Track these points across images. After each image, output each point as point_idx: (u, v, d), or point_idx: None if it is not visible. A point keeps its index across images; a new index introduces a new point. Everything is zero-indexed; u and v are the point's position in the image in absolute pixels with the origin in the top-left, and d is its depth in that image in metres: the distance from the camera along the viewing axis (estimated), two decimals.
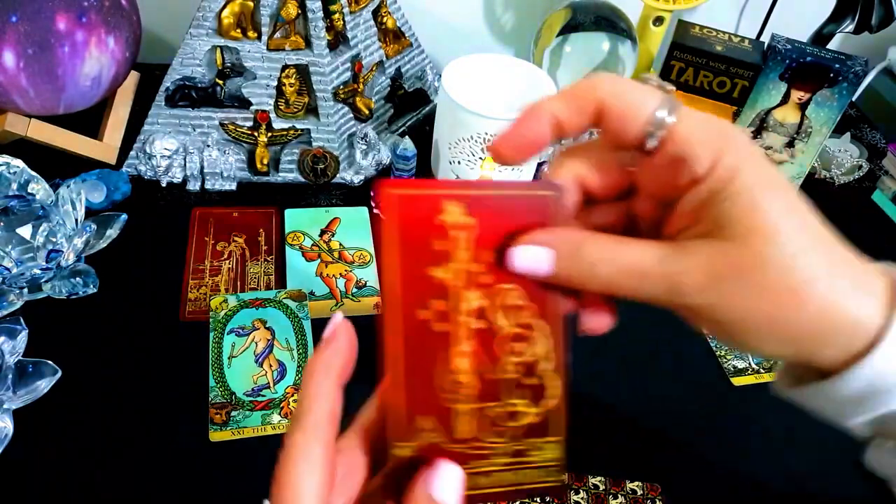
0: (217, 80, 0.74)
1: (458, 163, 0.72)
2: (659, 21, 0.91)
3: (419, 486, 0.29)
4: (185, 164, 0.74)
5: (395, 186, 0.29)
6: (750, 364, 0.65)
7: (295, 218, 0.73)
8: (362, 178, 0.78)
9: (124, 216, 0.67)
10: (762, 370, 0.65)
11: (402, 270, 0.29)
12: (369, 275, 0.68)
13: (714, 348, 0.66)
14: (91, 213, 0.67)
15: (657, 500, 0.53)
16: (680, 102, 0.28)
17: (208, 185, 0.75)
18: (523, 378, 0.31)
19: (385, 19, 0.80)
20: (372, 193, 0.29)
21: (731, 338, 0.29)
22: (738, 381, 0.64)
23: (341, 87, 0.76)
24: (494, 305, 0.30)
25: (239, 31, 0.71)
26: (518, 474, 0.32)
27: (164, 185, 0.75)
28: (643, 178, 0.31)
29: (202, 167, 0.74)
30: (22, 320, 0.57)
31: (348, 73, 0.76)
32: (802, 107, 0.80)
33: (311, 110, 0.76)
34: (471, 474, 0.31)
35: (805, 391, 0.31)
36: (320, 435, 0.28)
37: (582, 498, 0.53)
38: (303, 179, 0.76)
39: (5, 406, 0.52)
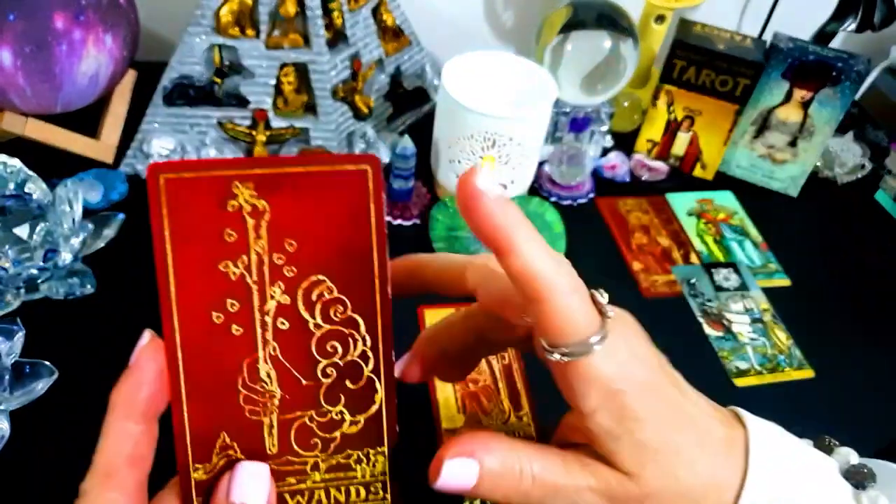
0: (215, 78, 0.74)
1: (459, 161, 0.72)
2: (661, 19, 0.90)
3: (217, 495, 0.27)
4: None
5: (169, 169, 0.25)
6: (753, 365, 0.65)
7: None
8: None
9: (122, 216, 0.66)
10: (765, 371, 0.64)
11: (183, 268, 0.26)
12: None
13: (716, 349, 0.66)
14: (88, 212, 0.66)
15: None
16: (607, 335, 0.28)
17: None
18: (339, 382, 0.27)
19: (384, 17, 0.79)
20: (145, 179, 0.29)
21: None
22: (740, 381, 0.63)
23: (340, 85, 0.75)
24: (300, 301, 0.26)
25: (237, 29, 0.70)
26: (342, 492, 0.28)
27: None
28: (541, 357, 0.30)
29: None
30: (19, 321, 0.56)
31: (347, 72, 0.76)
32: (805, 105, 0.80)
33: (310, 109, 0.75)
34: (287, 493, 0.28)
35: None
36: (117, 482, 0.26)
37: None
38: None
39: (2, 407, 0.52)
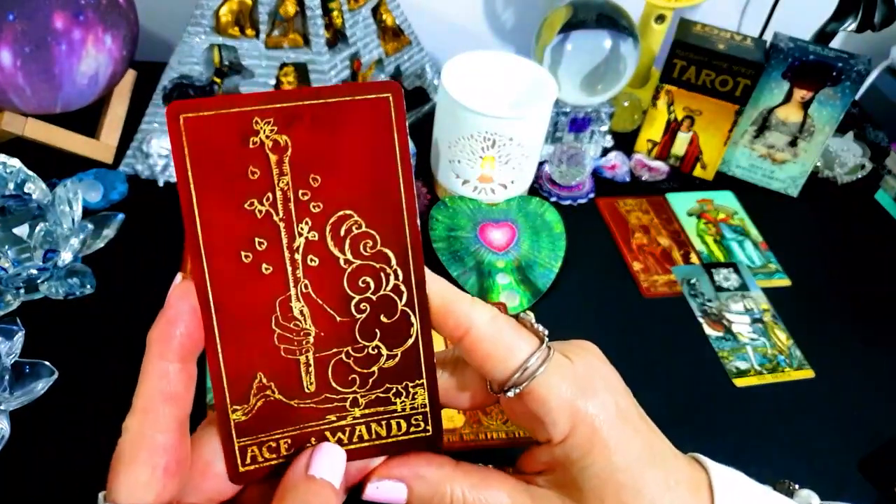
0: (215, 78, 0.74)
1: (458, 161, 0.72)
2: (661, 19, 0.90)
3: (295, 468, 0.27)
4: None
5: (189, 109, 0.24)
6: (753, 365, 0.65)
7: None
8: None
9: (122, 216, 0.66)
10: (765, 371, 0.64)
11: (208, 208, 0.25)
12: None
13: (716, 349, 0.66)
14: (88, 212, 0.66)
15: None
16: (551, 353, 0.28)
17: None
18: (373, 317, 0.27)
19: (384, 17, 0.79)
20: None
21: None
22: (740, 382, 0.63)
23: None
24: (329, 237, 0.26)
25: (237, 28, 0.70)
26: (382, 426, 0.29)
27: (161, 184, 0.74)
28: (506, 408, 0.30)
29: None
30: (19, 321, 0.56)
31: (347, 72, 0.76)
32: (805, 105, 0.80)
33: None
34: (328, 431, 0.28)
35: None
36: (154, 418, 0.26)
37: None
38: None
39: (2, 407, 0.52)
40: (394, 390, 0.28)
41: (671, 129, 0.85)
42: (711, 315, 0.69)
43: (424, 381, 0.28)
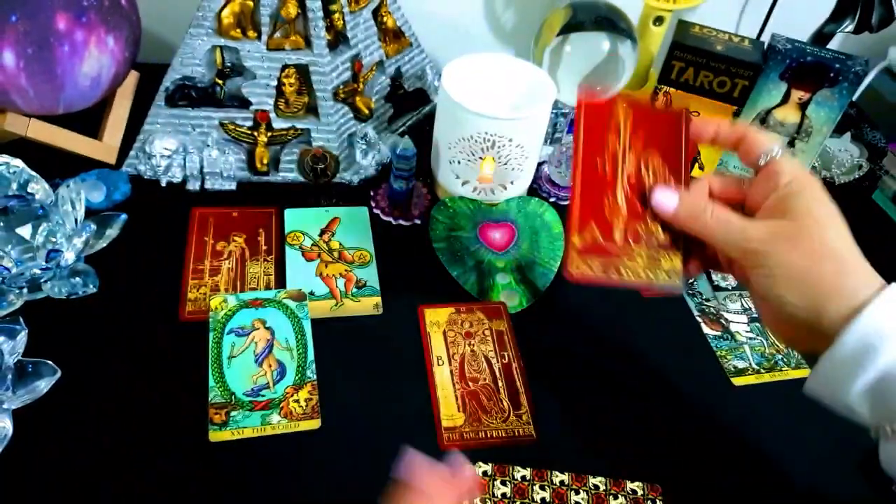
0: (217, 79, 0.74)
1: (458, 162, 0.72)
2: (659, 21, 0.91)
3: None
4: (184, 164, 0.74)
5: (588, 98, 0.51)
6: (750, 364, 0.65)
7: (295, 218, 0.73)
8: (362, 177, 0.78)
9: (124, 216, 0.67)
10: (762, 370, 0.65)
11: (587, 144, 0.50)
12: (369, 274, 0.68)
13: (714, 348, 0.66)
14: (91, 212, 0.67)
15: (657, 501, 0.53)
16: (784, 147, 0.52)
17: (208, 185, 0.75)
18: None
19: (385, 19, 0.80)
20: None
21: (766, 283, 0.44)
22: (738, 381, 0.64)
23: (341, 86, 0.76)
24: (642, 167, 0.50)
25: (239, 30, 0.71)
26: (650, 272, 0.49)
27: (163, 184, 0.75)
28: (750, 191, 0.48)
29: (202, 167, 0.74)
30: (22, 320, 0.57)
31: (348, 73, 0.76)
32: (803, 106, 0.80)
33: (311, 110, 0.76)
34: (623, 267, 0.49)
35: (818, 369, 0.42)
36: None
37: (582, 498, 0.53)
38: (303, 179, 0.76)
39: (5, 406, 0.52)
40: (662, 254, 0.49)
41: None
42: (709, 314, 0.70)
43: (680, 253, 0.49)
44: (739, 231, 0.45)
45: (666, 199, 0.48)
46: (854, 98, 1.01)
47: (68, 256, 0.61)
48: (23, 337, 0.56)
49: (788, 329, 0.45)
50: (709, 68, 0.79)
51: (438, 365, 0.61)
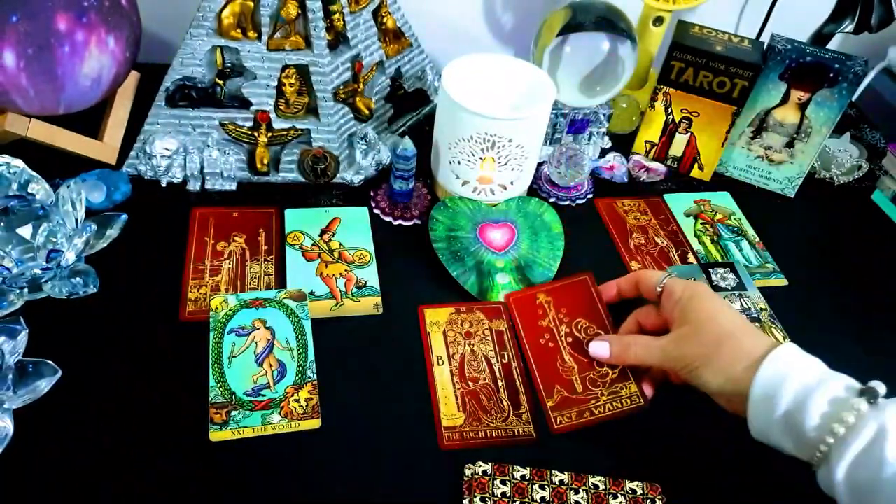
0: (217, 80, 0.74)
1: (458, 163, 0.72)
2: (659, 21, 0.91)
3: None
4: (185, 164, 0.74)
5: (512, 294, 0.67)
6: None
7: (295, 218, 0.73)
8: (362, 177, 0.78)
9: (124, 216, 0.67)
10: None
11: (528, 331, 0.64)
12: (369, 275, 0.68)
13: None
14: (91, 212, 0.67)
15: (657, 500, 0.53)
16: (672, 274, 0.61)
17: (208, 185, 0.75)
18: None
19: (385, 19, 0.80)
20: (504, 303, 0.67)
21: (692, 376, 0.54)
22: None
23: (341, 87, 0.76)
24: (574, 329, 0.64)
25: (239, 31, 0.71)
26: (616, 402, 0.59)
27: (164, 184, 0.75)
28: (663, 314, 0.60)
29: (202, 167, 0.74)
30: (22, 320, 0.57)
31: (348, 73, 0.76)
32: (802, 107, 0.80)
33: (312, 110, 0.76)
34: (588, 407, 0.59)
35: (748, 417, 0.51)
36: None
37: (582, 497, 0.53)
38: (303, 179, 0.77)
39: (5, 406, 0.52)
40: (618, 386, 0.60)
41: (669, 131, 0.85)
42: None
43: (632, 379, 0.60)
44: (659, 350, 0.56)
45: (599, 349, 0.61)
46: (854, 98, 1.01)
47: (69, 256, 0.61)
48: (23, 337, 0.56)
49: (727, 402, 0.53)
50: (708, 68, 0.79)
51: (438, 365, 0.61)
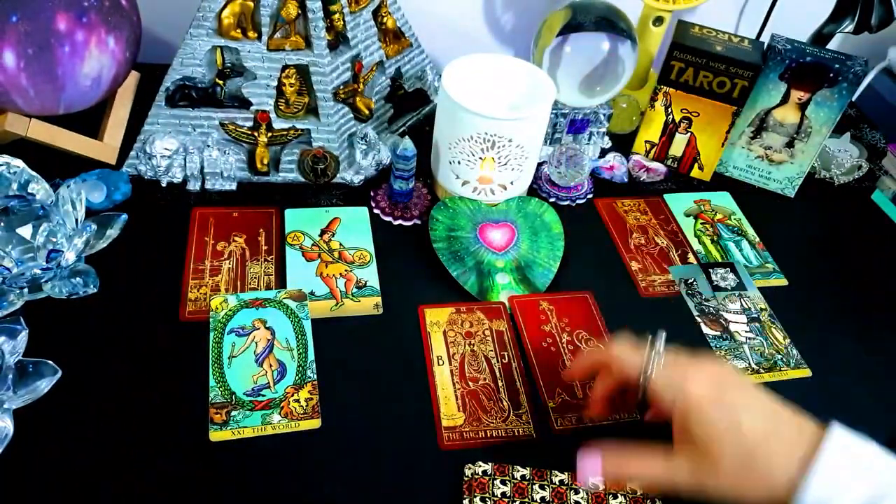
0: (217, 80, 0.74)
1: (458, 163, 0.72)
2: (659, 21, 0.91)
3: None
4: (185, 164, 0.74)
5: (517, 298, 0.68)
6: (750, 364, 0.65)
7: (295, 218, 0.73)
8: (362, 178, 0.78)
9: (124, 216, 0.67)
10: (762, 370, 0.65)
11: (528, 331, 0.65)
12: (369, 275, 0.68)
13: (714, 348, 0.66)
14: (91, 212, 0.67)
15: (657, 500, 0.53)
16: (650, 374, 0.49)
17: (208, 185, 0.75)
18: None
19: (385, 19, 0.80)
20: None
21: (721, 499, 0.44)
22: None
23: (341, 87, 0.76)
24: (574, 338, 0.65)
25: (239, 31, 0.71)
26: (613, 416, 0.59)
27: (164, 184, 0.75)
28: (659, 408, 0.49)
29: (202, 167, 0.74)
30: (22, 320, 0.57)
31: (348, 74, 0.76)
32: (802, 107, 0.80)
33: (312, 110, 0.76)
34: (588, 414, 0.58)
35: None
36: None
37: (582, 497, 0.53)
38: (303, 179, 0.77)
39: (5, 406, 0.52)
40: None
41: (669, 131, 0.85)
42: (709, 314, 0.70)
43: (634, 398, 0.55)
44: (668, 473, 0.46)
45: (590, 472, 0.48)
46: (853, 98, 1.01)
47: (69, 256, 0.61)
48: (23, 337, 0.56)
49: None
50: (708, 69, 0.79)
51: (438, 365, 0.61)
